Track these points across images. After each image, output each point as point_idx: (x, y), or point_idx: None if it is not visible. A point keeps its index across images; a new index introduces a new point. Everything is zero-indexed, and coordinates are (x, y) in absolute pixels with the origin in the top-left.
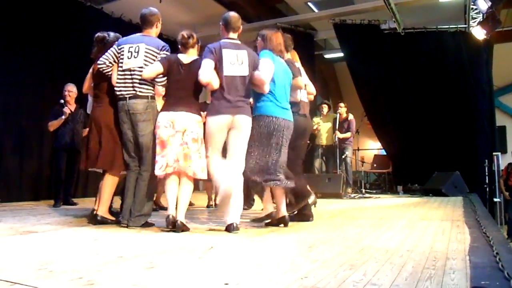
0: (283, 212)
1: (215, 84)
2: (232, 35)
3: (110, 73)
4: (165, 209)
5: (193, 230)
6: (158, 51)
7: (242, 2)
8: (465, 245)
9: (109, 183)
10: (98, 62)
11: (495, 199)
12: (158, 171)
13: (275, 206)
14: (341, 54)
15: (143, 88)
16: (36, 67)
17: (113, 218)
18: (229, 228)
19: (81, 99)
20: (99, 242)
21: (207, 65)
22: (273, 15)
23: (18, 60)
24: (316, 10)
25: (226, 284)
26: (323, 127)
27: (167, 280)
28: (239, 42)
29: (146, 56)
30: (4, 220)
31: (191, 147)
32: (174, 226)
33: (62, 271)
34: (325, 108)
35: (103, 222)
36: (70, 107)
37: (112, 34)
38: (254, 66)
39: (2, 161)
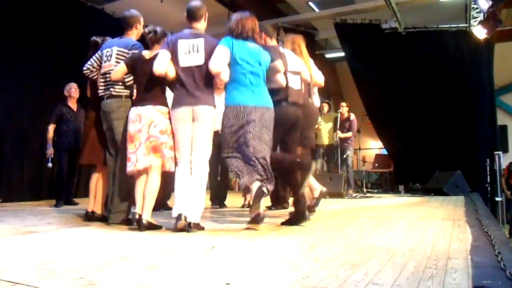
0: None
1: (171, 74)
2: (195, 24)
3: (95, 77)
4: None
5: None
6: (127, 51)
7: (243, 1)
8: (467, 245)
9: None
10: (84, 67)
11: (496, 198)
12: (129, 168)
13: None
14: (342, 54)
15: (117, 88)
16: (37, 68)
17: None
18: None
19: (82, 99)
20: (100, 242)
21: (161, 56)
22: (274, 14)
23: (19, 61)
24: (317, 10)
25: (228, 284)
26: (324, 127)
27: (168, 280)
28: (200, 31)
29: (117, 58)
30: (5, 220)
31: (160, 139)
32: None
33: (63, 271)
34: (325, 108)
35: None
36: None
37: (109, 39)
38: (211, 54)
39: (4, 161)
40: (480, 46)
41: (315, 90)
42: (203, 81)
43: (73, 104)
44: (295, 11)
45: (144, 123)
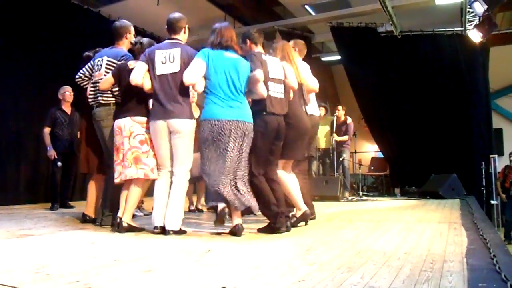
0: (236, 221)
1: (146, 85)
2: (175, 35)
3: (86, 85)
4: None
5: (191, 233)
6: (116, 61)
7: (240, 5)
8: (463, 248)
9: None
10: (76, 76)
11: (492, 202)
12: (115, 179)
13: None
14: (338, 57)
15: (105, 97)
16: (33, 70)
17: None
18: (165, 232)
19: (77, 103)
20: (96, 245)
21: (138, 68)
22: (271, 18)
23: (15, 63)
24: (313, 13)
25: (224, 287)
26: (320, 130)
27: (164, 283)
28: (179, 41)
29: (107, 68)
30: (1, 223)
31: (141, 149)
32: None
33: (59, 274)
34: (322, 111)
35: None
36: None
37: (102, 50)
38: (188, 63)
39: None
40: (476, 49)
41: (311, 97)
42: (178, 89)
43: (67, 108)
44: (291, 14)
45: (125, 135)
